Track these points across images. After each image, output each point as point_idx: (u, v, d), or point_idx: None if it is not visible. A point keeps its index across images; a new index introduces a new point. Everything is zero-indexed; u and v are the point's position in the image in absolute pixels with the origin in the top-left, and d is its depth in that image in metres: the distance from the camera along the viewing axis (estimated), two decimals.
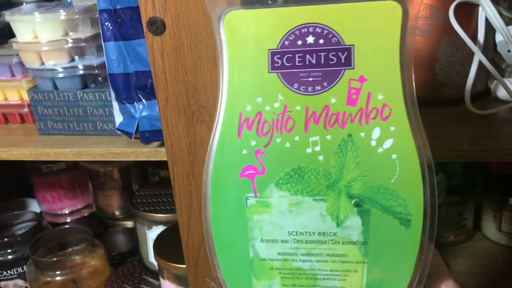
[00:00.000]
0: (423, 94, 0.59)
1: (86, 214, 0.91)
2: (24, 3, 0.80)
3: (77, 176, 0.88)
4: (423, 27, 0.56)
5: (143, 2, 0.41)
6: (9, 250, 0.75)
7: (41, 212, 0.90)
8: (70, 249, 0.77)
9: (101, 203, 0.87)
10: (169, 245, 0.62)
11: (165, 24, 0.41)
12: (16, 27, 0.60)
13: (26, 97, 0.67)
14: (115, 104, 0.58)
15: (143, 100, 0.55)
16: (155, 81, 0.44)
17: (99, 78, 0.61)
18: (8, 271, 0.75)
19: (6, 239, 0.75)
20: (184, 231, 0.50)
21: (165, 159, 0.56)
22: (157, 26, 0.41)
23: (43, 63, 0.61)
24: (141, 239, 0.72)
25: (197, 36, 0.41)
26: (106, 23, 0.54)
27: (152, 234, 0.69)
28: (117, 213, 0.87)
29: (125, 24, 0.53)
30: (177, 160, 0.47)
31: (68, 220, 0.90)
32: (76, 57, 0.61)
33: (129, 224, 0.88)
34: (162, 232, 0.66)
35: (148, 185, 0.78)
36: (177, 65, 0.43)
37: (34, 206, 0.95)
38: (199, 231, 0.49)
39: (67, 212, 0.90)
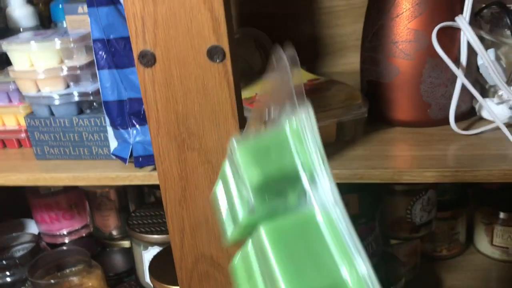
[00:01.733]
0: (409, 115, 0.61)
1: (84, 234, 0.92)
2: (21, 29, 0.82)
3: (74, 197, 0.89)
4: (408, 50, 0.58)
5: (134, 36, 0.43)
6: (7, 273, 0.76)
7: (39, 233, 0.91)
8: (67, 270, 0.78)
9: (98, 224, 0.88)
10: (164, 266, 0.63)
11: (156, 57, 0.43)
12: (13, 56, 0.62)
13: (23, 123, 0.68)
14: (109, 130, 0.59)
15: (137, 126, 0.57)
16: (147, 110, 0.46)
17: (94, 104, 0.63)
18: None
19: (4, 262, 0.76)
20: (177, 253, 0.51)
21: (158, 183, 0.58)
22: (148, 59, 0.43)
23: (39, 90, 0.62)
24: (137, 260, 0.73)
25: (186, 68, 0.43)
26: (100, 52, 0.55)
27: (148, 254, 0.70)
28: (114, 233, 0.88)
29: (118, 53, 0.55)
30: (169, 186, 0.48)
31: (66, 241, 0.91)
32: (72, 84, 0.62)
33: (126, 244, 0.89)
34: (158, 253, 0.67)
35: (144, 206, 0.79)
36: (168, 95, 0.44)
37: (32, 227, 0.96)
38: (192, 253, 0.50)
39: (65, 232, 0.91)
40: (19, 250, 0.84)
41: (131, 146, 0.57)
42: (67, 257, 0.77)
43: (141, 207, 0.79)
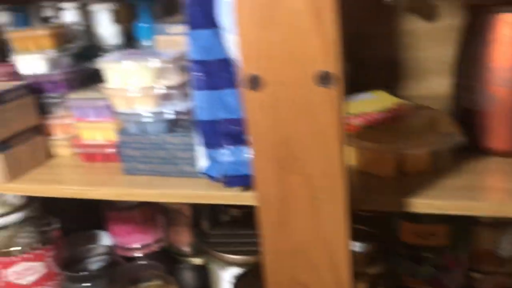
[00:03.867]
0: (508, 145, 0.58)
1: (156, 249, 0.93)
2: (105, 47, 0.85)
3: (149, 211, 0.90)
4: (507, 78, 0.55)
5: (244, 59, 0.43)
6: (86, 284, 0.78)
7: (112, 245, 0.93)
8: (144, 285, 0.79)
9: (173, 239, 0.89)
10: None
11: (264, 81, 0.43)
12: (107, 74, 0.64)
13: (111, 138, 0.70)
14: (200, 149, 0.60)
15: (229, 146, 0.57)
16: (251, 133, 0.46)
17: (184, 123, 0.64)
18: None
19: (83, 273, 0.78)
20: (269, 278, 0.50)
21: (247, 203, 0.58)
22: (256, 83, 0.43)
23: (131, 108, 0.64)
24: (214, 279, 0.73)
25: (294, 92, 0.43)
26: (197, 73, 0.56)
27: (226, 274, 0.70)
28: (186, 249, 0.89)
29: (215, 75, 0.55)
30: (267, 208, 0.48)
31: (139, 255, 0.92)
32: (164, 103, 0.64)
33: (197, 261, 0.89)
34: (242, 274, 0.67)
35: (222, 224, 0.79)
36: (274, 119, 0.44)
37: (105, 239, 0.99)
38: (285, 279, 0.50)
39: (138, 246, 0.92)
40: (94, 262, 0.86)
41: (222, 166, 0.57)
42: (143, 271, 0.79)
43: (219, 225, 0.79)
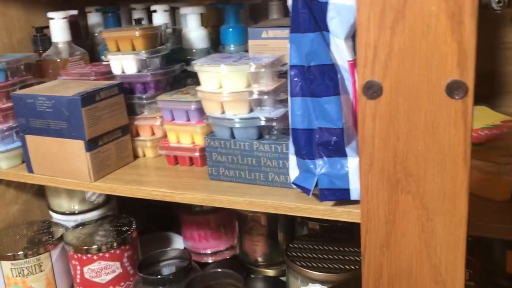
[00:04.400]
0: None
1: (228, 257, 0.91)
2: (193, 50, 0.84)
3: (225, 217, 0.89)
4: None
5: (362, 65, 0.40)
6: (160, 287, 0.77)
7: (185, 249, 0.92)
8: None
9: (247, 248, 0.87)
10: None
11: (383, 89, 0.40)
12: (203, 77, 0.63)
13: (198, 142, 0.69)
14: (291, 158, 0.57)
15: (324, 157, 0.54)
16: (361, 144, 0.42)
17: (274, 130, 0.62)
18: None
19: (159, 276, 0.78)
20: None
21: (340, 219, 0.55)
22: (374, 91, 0.40)
23: (223, 112, 0.62)
24: None
25: (416, 103, 0.39)
26: (296, 79, 0.54)
27: None
28: (260, 259, 0.87)
29: (316, 81, 0.53)
30: (372, 228, 0.44)
31: (210, 261, 0.91)
32: (256, 108, 0.62)
33: (270, 272, 0.87)
34: None
35: (301, 237, 0.76)
36: (389, 131, 0.41)
37: (177, 241, 0.98)
38: None
39: (209, 252, 0.91)
40: (169, 265, 0.85)
41: (316, 178, 0.54)
42: (219, 279, 0.77)
43: (298, 238, 0.76)
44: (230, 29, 0.83)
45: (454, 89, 0.37)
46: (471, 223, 0.48)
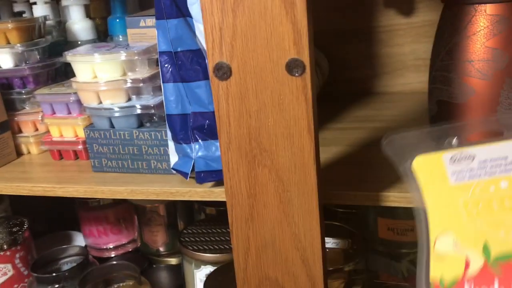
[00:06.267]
0: (484, 139, 0.58)
1: (130, 249, 0.91)
2: (79, 42, 0.83)
3: (123, 211, 0.88)
4: (484, 70, 0.55)
5: (211, 47, 0.41)
6: (56, 285, 0.76)
7: (85, 246, 0.91)
8: (115, 286, 0.77)
9: (147, 239, 0.87)
10: (219, 286, 0.61)
11: (231, 70, 0.42)
12: (76, 67, 0.62)
13: (81, 134, 0.68)
14: (170, 144, 0.58)
15: (200, 141, 0.56)
16: (218, 125, 0.44)
17: (154, 117, 0.62)
18: None
19: (54, 274, 0.76)
20: (240, 275, 0.49)
21: (219, 199, 0.56)
22: (224, 72, 0.42)
23: (100, 102, 0.62)
24: (188, 279, 0.72)
25: (263, 81, 0.41)
26: (166, 65, 0.55)
27: (200, 273, 0.69)
28: (161, 249, 0.87)
29: (184, 67, 0.54)
30: (236, 204, 0.46)
31: (113, 255, 0.90)
32: (133, 97, 0.62)
33: (173, 261, 0.87)
34: (212, 272, 0.65)
35: (195, 223, 0.78)
36: (241, 110, 0.43)
37: (79, 240, 0.96)
38: (256, 275, 0.48)
39: (111, 246, 0.90)
40: (67, 263, 0.84)
41: (193, 161, 0.56)
42: (116, 272, 0.76)
43: (192, 224, 0.77)
44: (117, 20, 0.83)
45: (293, 67, 0.40)
46: (330, 193, 0.51)
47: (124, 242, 0.91)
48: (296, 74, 0.40)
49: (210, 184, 0.57)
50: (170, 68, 0.54)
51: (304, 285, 0.47)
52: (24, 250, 0.80)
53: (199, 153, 0.56)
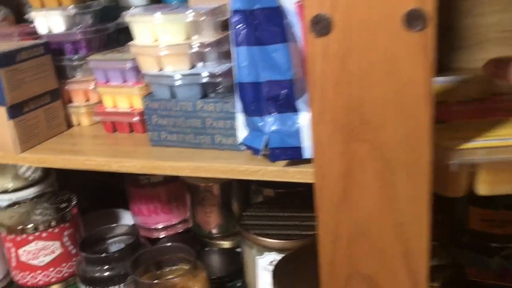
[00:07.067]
0: None
1: (180, 230, 0.86)
2: (131, 8, 0.77)
3: (175, 189, 0.83)
4: None
5: None
6: (105, 267, 0.71)
7: (133, 225, 0.86)
8: (168, 269, 0.72)
9: (200, 220, 0.81)
10: (291, 276, 0.55)
11: (333, 23, 0.34)
12: (135, 29, 0.56)
13: (137, 105, 0.63)
14: (239, 116, 0.52)
15: (274, 113, 0.49)
16: (312, 91, 0.37)
17: (220, 88, 0.56)
18: None
19: (104, 255, 0.71)
20: (325, 267, 0.42)
21: (294, 180, 0.50)
22: (323, 26, 0.35)
23: (161, 69, 0.56)
24: (249, 265, 0.66)
25: (372, 38, 0.34)
26: (239, 26, 0.48)
27: (263, 260, 0.63)
28: (214, 231, 0.81)
29: (261, 27, 0.47)
30: (327, 185, 0.40)
31: (162, 236, 0.86)
32: (198, 64, 0.55)
33: (226, 244, 0.82)
34: (281, 260, 0.59)
35: (255, 205, 0.72)
36: (342, 73, 0.36)
37: (126, 218, 0.92)
38: (345, 269, 0.41)
39: (161, 226, 0.86)
40: (115, 243, 0.79)
41: (266, 136, 0.49)
42: (169, 254, 0.71)
43: (252, 206, 0.71)
44: None
45: (413, 19, 0.32)
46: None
47: (174, 223, 0.86)
48: (416, 29, 0.33)
49: (283, 163, 0.50)
50: (244, 29, 0.48)
51: (404, 284, 0.40)
52: (73, 228, 0.76)
53: (273, 127, 0.49)
